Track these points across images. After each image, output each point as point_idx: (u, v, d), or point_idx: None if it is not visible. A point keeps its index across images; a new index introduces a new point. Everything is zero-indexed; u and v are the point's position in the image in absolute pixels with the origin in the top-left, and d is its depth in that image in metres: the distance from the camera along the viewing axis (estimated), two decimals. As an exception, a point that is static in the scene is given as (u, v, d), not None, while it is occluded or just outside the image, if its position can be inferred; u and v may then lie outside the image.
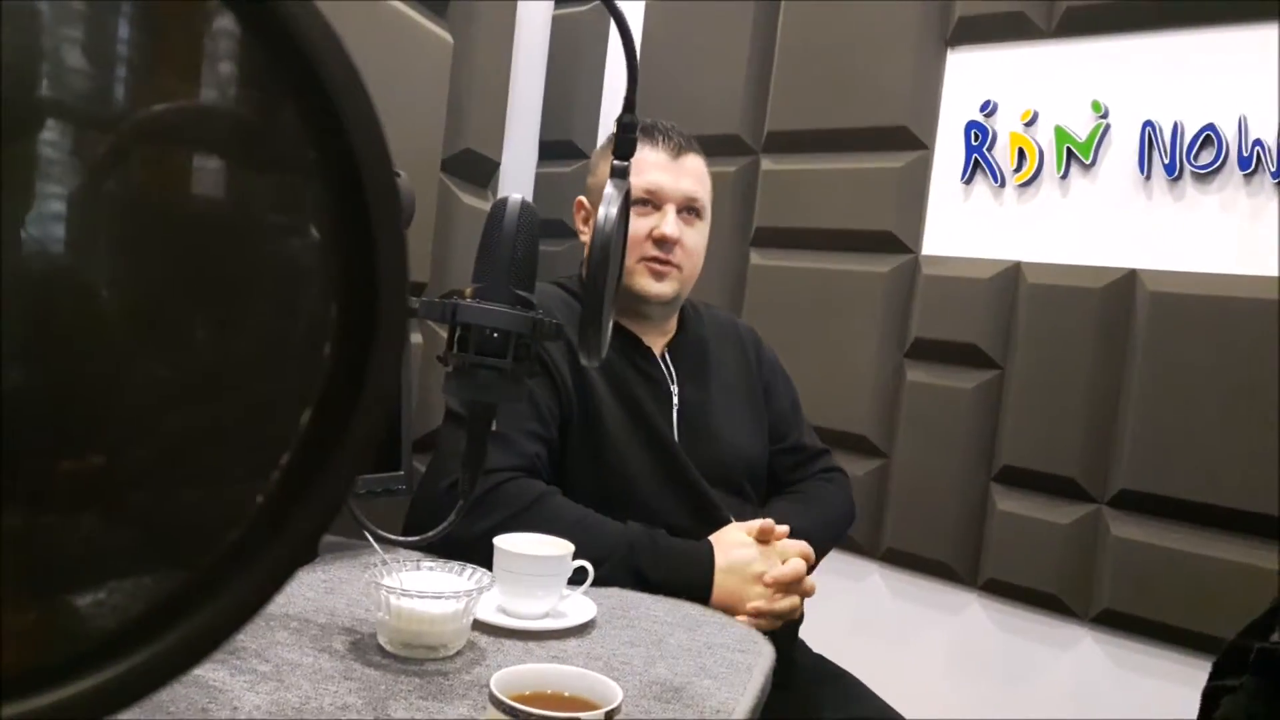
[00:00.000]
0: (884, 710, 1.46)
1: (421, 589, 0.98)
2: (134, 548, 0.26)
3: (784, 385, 1.69)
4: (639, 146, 1.43)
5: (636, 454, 1.41)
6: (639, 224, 1.44)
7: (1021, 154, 1.99)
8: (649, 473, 1.41)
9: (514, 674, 0.78)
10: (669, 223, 1.44)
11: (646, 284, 1.45)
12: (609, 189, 0.74)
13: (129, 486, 0.27)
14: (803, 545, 1.36)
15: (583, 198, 1.56)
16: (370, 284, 0.29)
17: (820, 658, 1.55)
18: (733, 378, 1.59)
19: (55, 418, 0.27)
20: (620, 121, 0.76)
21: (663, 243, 1.44)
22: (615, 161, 0.75)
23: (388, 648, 0.98)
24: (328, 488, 0.27)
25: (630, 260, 1.43)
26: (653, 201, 1.45)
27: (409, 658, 0.97)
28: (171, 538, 0.27)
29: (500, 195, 0.82)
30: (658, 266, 1.45)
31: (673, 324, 1.55)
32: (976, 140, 2.04)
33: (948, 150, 2.09)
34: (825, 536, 1.52)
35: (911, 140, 2.10)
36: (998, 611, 1.98)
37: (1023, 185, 1.99)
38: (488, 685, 0.73)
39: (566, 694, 0.77)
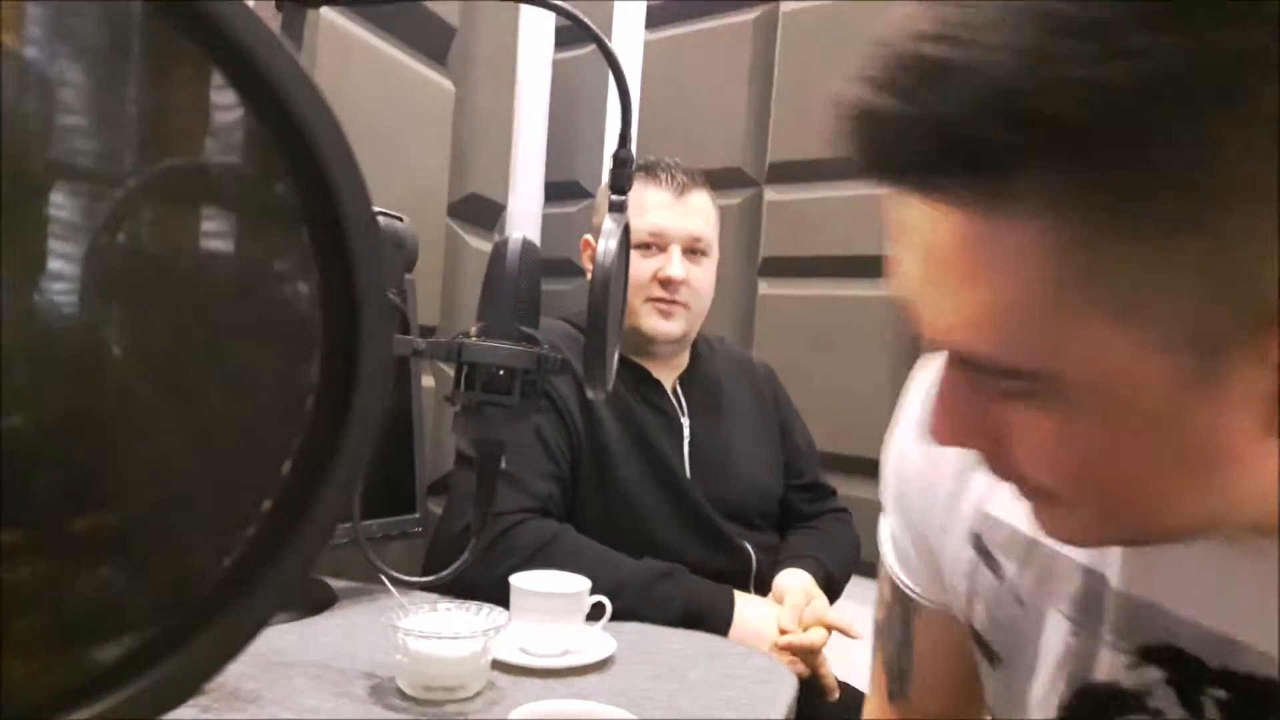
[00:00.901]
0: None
1: (439, 630, 0.98)
2: (120, 592, 0.26)
3: (799, 426, 1.70)
4: (642, 187, 1.45)
5: (646, 488, 1.41)
6: (644, 265, 1.44)
7: (1024, 174, 1.99)
8: (659, 506, 1.41)
9: (534, 711, 0.78)
10: (674, 265, 1.44)
11: (654, 324, 1.45)
12: (607, 223, 0.75)
13: (125, 536, 0.28)
14: (824, 613, 1.35)
15: (588, 237, 1.57)
16: (352, 333, 0.29)
17: (844, 684, 1.53)
18: (747, 412, 1.59)
19: (54, 469, 0.27)
20: (616, 157, 0.77)
21: (668, 284, 1.44)
22: (612, 196, 0.76)
23: (408, 691, 0.98)
24: (309, 534, 0.28)
25: (636, 300, 1.44)
26: (657, 244, 1.45)
27: (429, 700, 0.97)
28: (159, 580, 0.27)
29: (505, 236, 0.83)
30: (664, 306, 1.45)
31: (684, 359, 1.56)
32: (978, 162, 2.04)
33: (950, 173, 2.09)
34: (843, 575, 1.55)
35: (913, 165, 2.10)
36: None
37: (1027, 205, 1.99)
38: None
39: None
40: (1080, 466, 0.45)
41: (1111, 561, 0.56)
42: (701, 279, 1.49)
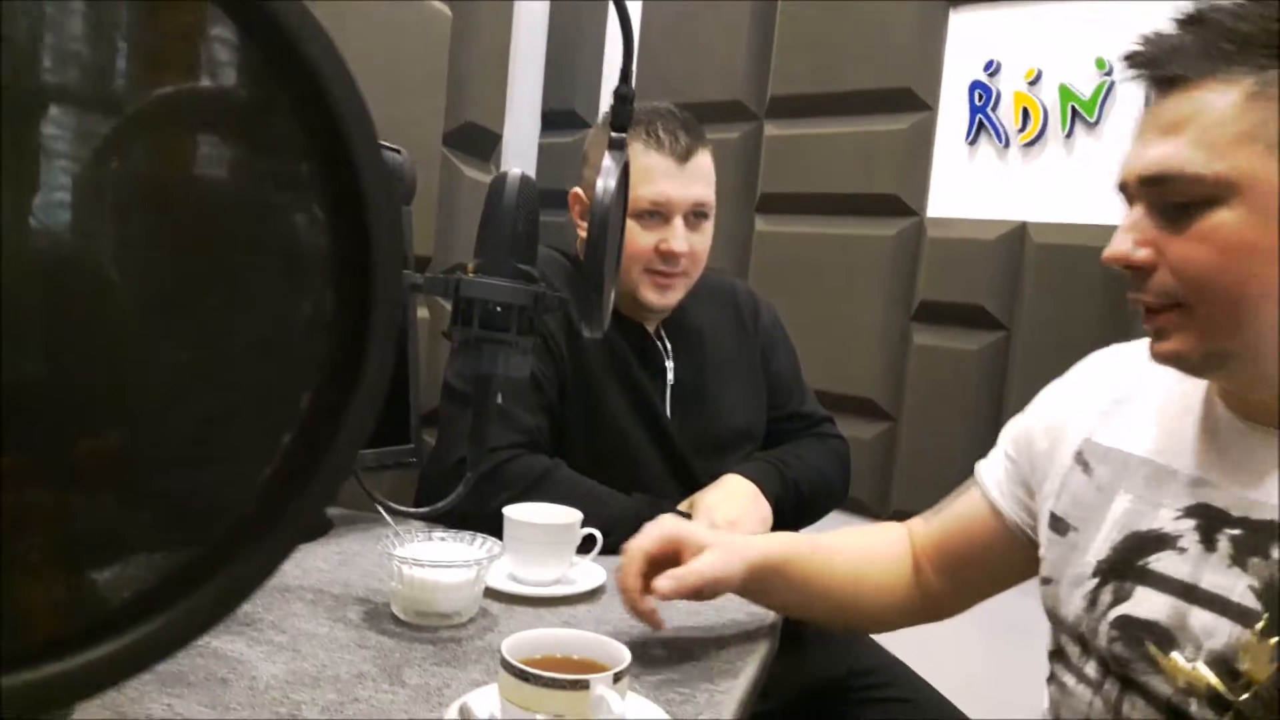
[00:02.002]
0: (888, 661, 1.48)
1: (433, 558, 1.00)
2: (147, 524, 0.27)
3: (785, 352, 1.66)
4: (643, 150, 1.38)
5: (630, 424, 1.41)
6: (645, 236, 1.39)
7: (1026, 113, 1.98)
8: (642, 443, 1.41)
9: (525, 639, 0.80)
10: (678, 238, 1.39)
11: (651, 296, 1.42)
12: (607, 161, 0.74)
13: (142, 466, 0.28)
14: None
15: (578, 189, 1.50)
16: (365, 266, 0.29)
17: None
18: (729, 350, 1.57)
19: (70, 399, 0.28)
20: (617, 93, 0.76)
21: (670, 257, 1.40)
22: (613, 133, 0.76)
23: (402, 616, 1.00)
24: (329, 466, 0.28)
25: (635, 270, 1.40)
26: (660, 212, 1.40)
27: (422, 625, 0.99)
28: (182, 514, 0.28)
29: (503, 168, 0.83)
30: (663, 280, 1.42)
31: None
32: (980, 100, 2.03)
33: (952, 111, 2.07)
34: (819, 490, 1.52)
35: (915, 101, 2.09)
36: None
37: (1027, 145, 1.98)
38: (499, 650, 0.75)
39: (576, 657, 0.79)
40: (1217, 261, 0.72)
41: (1182, 457, 0.83)
42: (702, 245, 1.45)
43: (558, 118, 2.49)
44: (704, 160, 1.43)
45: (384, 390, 0.30)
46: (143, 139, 0.32)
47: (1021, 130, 1.98)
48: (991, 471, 1.03)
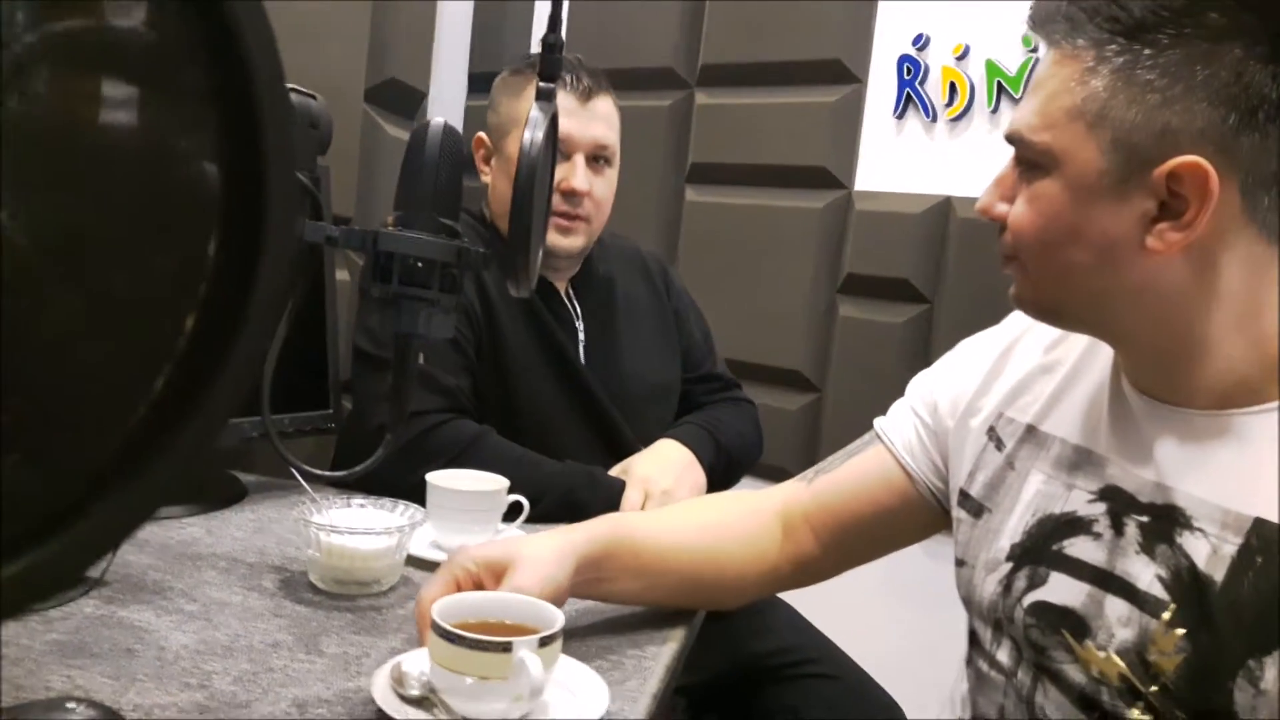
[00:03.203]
0: (814, 638, 1.49)
1: (352, 525, 0.97)
2: (10, 468, 0.24)
3: (694, 315, 1.67)
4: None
5: (544, 383, 1.39)
6: None
7: (953, 88, 1.99)
8: (557, 400, 1.39)
9: (462, 600, 0.79)
10: (578, 175, 1.38)
11: (554, 239, 1.40)
12: (534, 113, 0.72)
13: (11, 408, 0.26)
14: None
15: (482, 134, 1.47)
16: (256, 206, 0.27)
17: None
18: (640, 307, 1.56)
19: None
20: (544, 41, 0.74)
21: (571, 195, 1.38)
22: (541, 84, 0.73)
23: (320, 585, 0.97)
24: (203, 414, 0.26)
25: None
26: (560, 150, 1.37)
27: (341, 594, 0.96)
28: (46, 461, 0.25)
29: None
30: (565, 222, 1.40)
31: (577, 263, 1.52)
32: (909, 74, 2.04)
33: (881, 84, 2.08)
34: (741, 453, 1.52)
35: (845, 74, 2.09)
36: (929, 541, 2.03)
37: (954, 120, 2.00)
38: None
39: (509, 621, 0.78)
40: (1036, 226, 0.74)
41: (1093, 436, 0.82)
42: (604, 191, 1.44)
43: (485, 81, 2.42)
44: (606, 104, 1.42)
45: (268, 338, 0.27)
46: (38, 73, 0.29)
47: (949, 105, 2.00)
48: (900, 432, 1.00)
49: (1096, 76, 0.70)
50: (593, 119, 1.40)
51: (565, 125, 1.36)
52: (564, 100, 1.37)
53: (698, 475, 1.39)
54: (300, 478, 0.93)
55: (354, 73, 1.77)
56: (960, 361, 0.99)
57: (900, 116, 2.06)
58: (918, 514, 0.99)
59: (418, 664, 0.77)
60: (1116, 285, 0.73)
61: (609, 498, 1.29)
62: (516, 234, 0.71)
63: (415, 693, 0.74)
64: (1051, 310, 0.80)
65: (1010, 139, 0.76)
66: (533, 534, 0.93)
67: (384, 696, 0.73)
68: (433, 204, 0.75)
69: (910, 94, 2.04)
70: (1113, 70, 0.69)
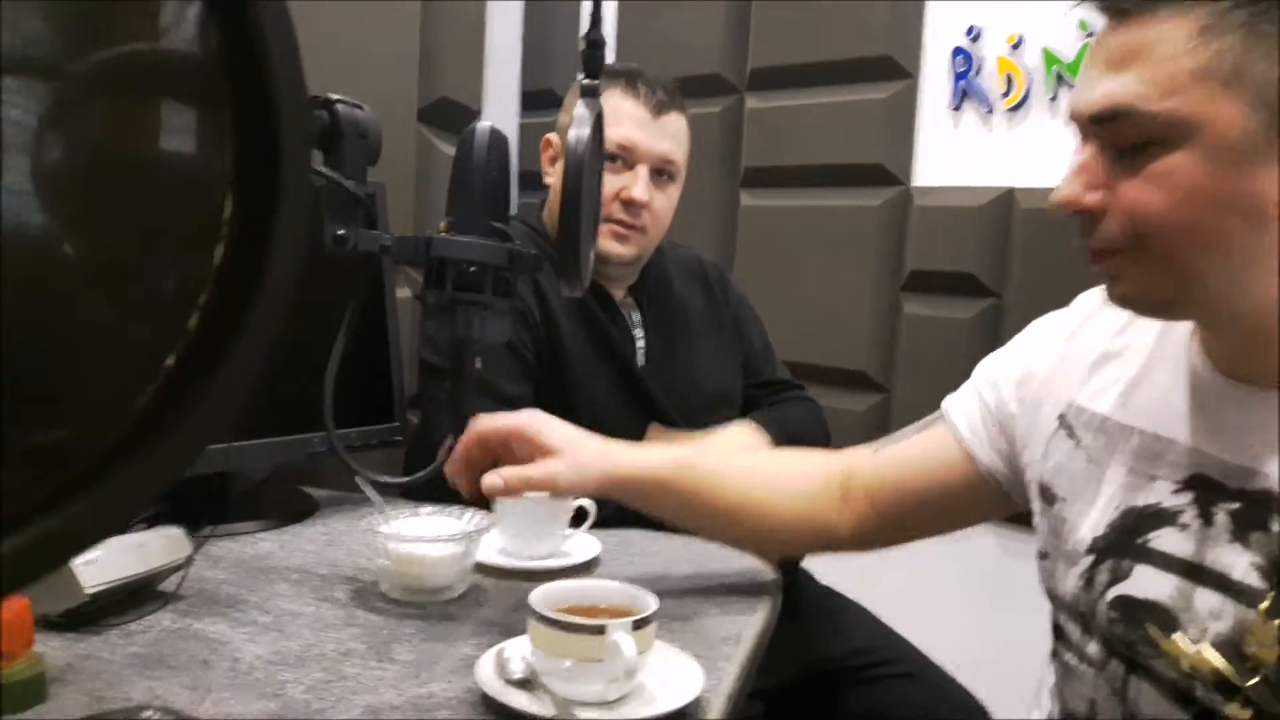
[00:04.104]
0: (891, 638, 1.46)
1: (420, 533, 0.98)
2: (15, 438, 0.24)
3: (753, 321, 1.66)
4: (620, 97, 1.38)
5: (604, 390, 1.39)
6: (609, 181, 1.37)
7: (1010, 79, 1.95)
8: (617, 408, 1.39)
9: (558, 588, 0.82)
10: (639, 186, 1.38)
11: (608, 245, 1.40)
12: (579, 109, 0.72)
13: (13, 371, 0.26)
14: None
15: (552, 135, 1.49)
16: (270, 183, 0.27)
17: (827, 589, 1.55)
18: (699, 315, 1.56)
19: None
20: (587, 38, 0.74)
21: (630, 205, 1.38)
22: (584, 80, 0.73)
23: (391, 594, 0.98)
24: (212, 396, 0.26)
25: None
26: (624, 159, 1.39)
27: (411, 602, 0.96)
28: (55, 430, 0.25)
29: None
30: (622, 230, 1.40)
31: (636, 272, 1.52)
32: (963, 67, 2.00)
33: (934, 78, 2.05)
34: (811, 442, 1.50)
35: (897, 70, 2.06)
36: (1006, 538, 1.98)
37: (1012, 110, 1.96)
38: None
39: (603, 605, 0.81)
40: (1169, 207, 0.68)
41: (1174, 425, 0.78)
42: (664, 205, 1.43)
43: (537, 98, 2.46)
44: (678, 122, 1.42)
45: (278, 321, 0.27)
46: (88, 96, 0.29)
47: (1006, 95, 1.96)
48: (964, 412, 0.98)
49: (1219, 34, 0.65)
50: (663, 134, 1.40)
51: (634, 135, 1.38)
52: (635, 110, 1.38)
53: None
54: (365, 486, 0.94)
55: (406, 93, 1.80)
56: (1028, 344, 0.96)
57: (957, 109, 2.03)
58: (978, 495, 0.97)
59: (520, 649, 0.80)
60: (1263, 252, 0.68)
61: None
62: (565, 230, 0.71)
63: (518, 675, 0.77)
64: (1168, 301, 0.74)
65: (1105, 116, 0.69)
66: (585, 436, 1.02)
67: (488, 681, 0.76)
68: (482, 207, 0.76)
69: (965, 87, 2.00)
70: (1239, 24, 0.65)
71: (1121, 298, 0.75)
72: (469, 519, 1.04)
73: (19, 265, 0.25)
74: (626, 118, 1.38)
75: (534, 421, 0.99)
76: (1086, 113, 0.71)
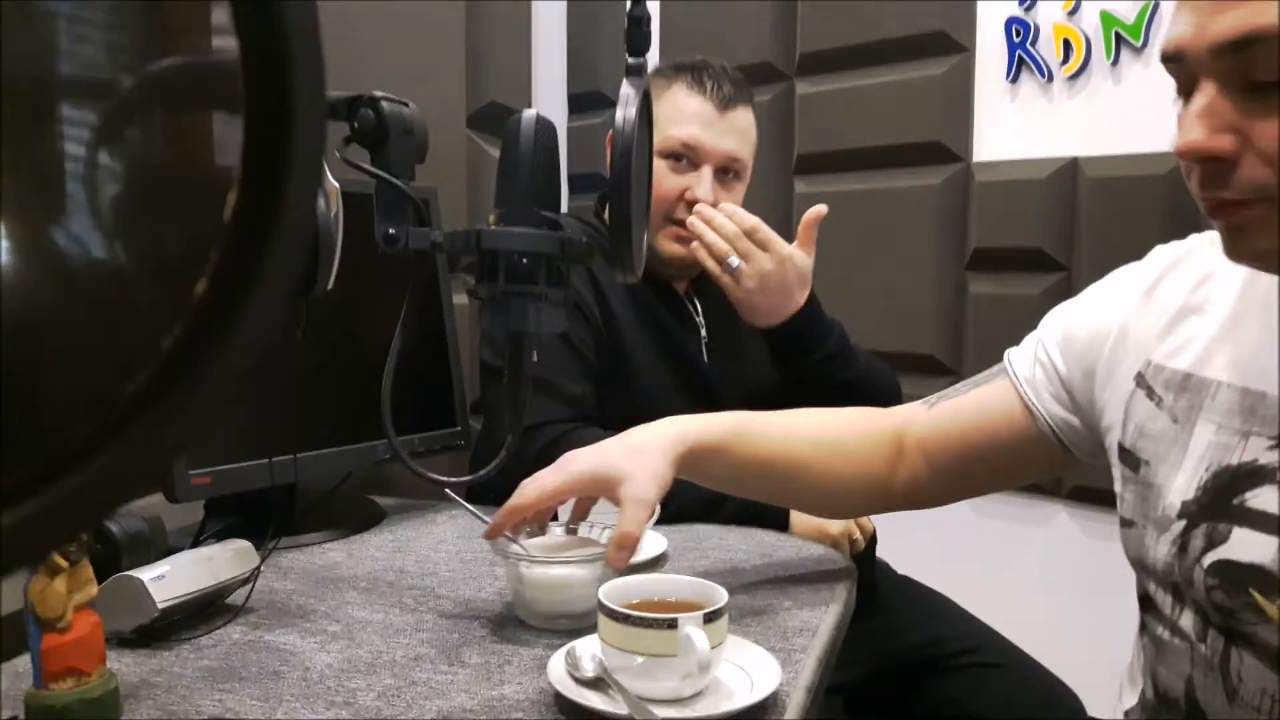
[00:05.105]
0: (974, 625, 1.41)
1: (549, 554, 0.93)
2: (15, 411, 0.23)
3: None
4: (685, 92, 1.34)
5: (667, 384, 1.36)
6: (672, 180, 1.34)
7: (1067, 45, 1.89)
8: (680, 401, 1.35)
9: (622, 584, 0.80)
10: (703, 187, 1.34)
11: (670, 247, 1.37)
12: (625, 89, 0.69)
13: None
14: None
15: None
16: (283, 121, 0.25)
17: (906, 578, 1.50)
18: None
19: None
20: (631, 15, 0.72)
21: (693, 206, 1.34)
22: (630, 59, 0.71)
23: (529, 621, 0.91)
24: (214, 369, 0.24)
25: (657, 217, 1.35)
26: (689, 157, 1.35)
27: (554, 630, 0.89)
28: (73, 386, 0.24)
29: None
30: (684, 231, 1.35)
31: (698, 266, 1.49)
32: (1019, 36, 1.94)
33: (989, 50, 1.99)
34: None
35: (950, 44, 2.01)
36: (1085, 519, 1.92)
37: (1071, 77, 1.89)
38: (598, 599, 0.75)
39: (673, 599, 0.80)
40: None
41: (1267, 378, 0.73)
42: (729, 206, 1.41)
43: (584, 100, 2.45)
44: (744, 116, 1.37)
45: (291, 275, 0.25)
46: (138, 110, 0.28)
47: (1064, 63, 1.89)
48: (1026, 365, 0.94)
49: None
50: (729, 131, 1.35)
51: (698, 134, 1.33)
52: (701, 107, 1.34)
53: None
54: (459, 499, 0.93)
55: (454, 98, 1.79)
56: (1101, 297, 0.91)
57: (1014, 81, 1.96)
58: (1036, 450, 0.93)
59: (590, 647, 0.78)
60: None
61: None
62: (616, 214, 0.69)
63: (590, 674, 0.75)
64: None
65: (1243, 44, 0.61)
66: (627, 444, 0.97)
67: (560, 680, 0.74)
68: (531, 196, 0.74)
69: (1022, 56, 1.94)
70: None
71: (1257, 254, 0.68)
72: (593, 530, 0.98)
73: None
74: (690, 114, 1.34)
75: (579, 473, 0.92)
76: (1207, 44, 0.62)
